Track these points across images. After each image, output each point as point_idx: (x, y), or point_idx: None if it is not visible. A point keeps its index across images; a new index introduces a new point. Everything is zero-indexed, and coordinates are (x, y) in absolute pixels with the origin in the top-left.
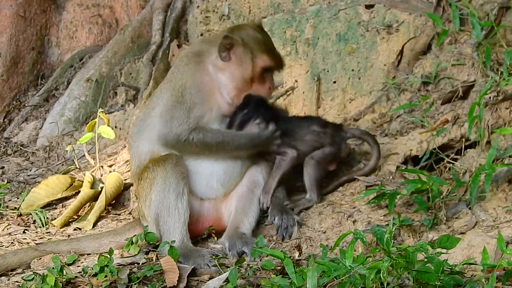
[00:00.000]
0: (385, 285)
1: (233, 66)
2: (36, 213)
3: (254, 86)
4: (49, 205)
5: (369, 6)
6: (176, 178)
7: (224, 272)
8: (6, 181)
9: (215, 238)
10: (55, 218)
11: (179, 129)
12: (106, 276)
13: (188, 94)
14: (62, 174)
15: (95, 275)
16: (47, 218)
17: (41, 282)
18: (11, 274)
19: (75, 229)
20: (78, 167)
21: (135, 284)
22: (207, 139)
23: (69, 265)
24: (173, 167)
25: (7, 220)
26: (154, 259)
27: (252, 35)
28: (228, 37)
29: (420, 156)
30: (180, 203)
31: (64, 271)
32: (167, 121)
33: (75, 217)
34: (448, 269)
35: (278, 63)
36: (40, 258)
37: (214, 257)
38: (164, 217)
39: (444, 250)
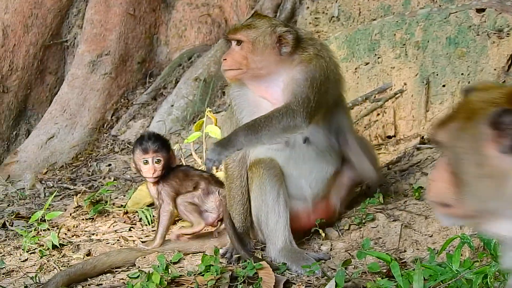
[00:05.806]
0: None
1: None
2: (142, 211)
3: None
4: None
5: (480, 10)
6: (271, 181)
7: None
8: (112, 178)
9: (323, 234)
10: None
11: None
12: (211, 275)
13: None
14: None
15: (200, 274)
16: (153, 216)
17: (146, 280)
18: (116, 271)
19: (180, 228)
20: None
21: (239, 283)
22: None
23: (174, 263)
24: (266, 171)
25: (113, 217)
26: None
27: None
28: None
29: None
30: (277, 205)
31: (169, 269)
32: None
33: None
34: None
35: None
36: (145, 256)
37: (318, 261)
38: (264, 220)
39: None
